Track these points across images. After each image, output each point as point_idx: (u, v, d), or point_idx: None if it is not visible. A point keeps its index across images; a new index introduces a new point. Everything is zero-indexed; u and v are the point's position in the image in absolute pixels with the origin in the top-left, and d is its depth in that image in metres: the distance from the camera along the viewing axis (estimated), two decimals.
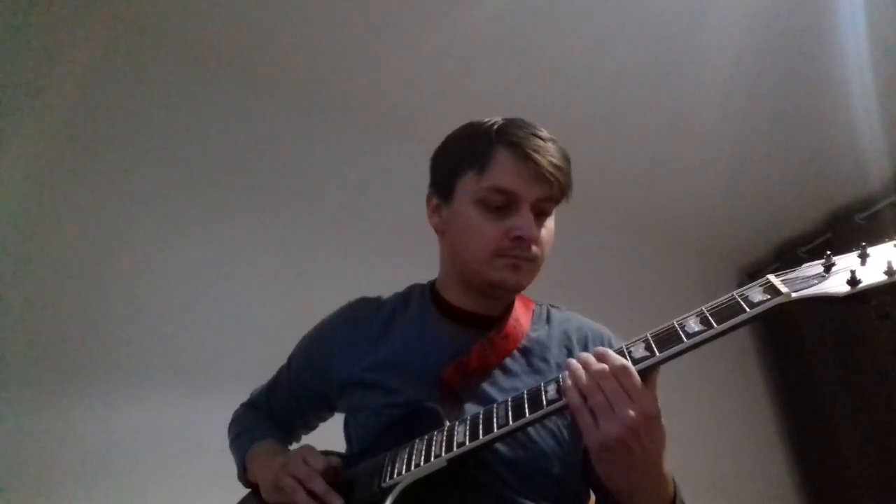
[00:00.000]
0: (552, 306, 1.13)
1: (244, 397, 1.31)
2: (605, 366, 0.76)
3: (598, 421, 0.74)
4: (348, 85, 2.44)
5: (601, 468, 0.78)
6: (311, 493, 0.90)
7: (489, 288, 1.01)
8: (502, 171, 0.97)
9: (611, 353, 0.78)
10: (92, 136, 1.99)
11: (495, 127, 1.01)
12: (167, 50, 2.19)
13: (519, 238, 0.96)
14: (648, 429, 0.74)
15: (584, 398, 0.76)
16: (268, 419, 1.23)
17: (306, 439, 1.26)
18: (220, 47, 2.25)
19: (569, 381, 0.78)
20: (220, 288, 2.06)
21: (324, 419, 1.24)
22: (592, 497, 0.99)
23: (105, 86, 2.05)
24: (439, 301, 1.09)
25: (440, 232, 1.09)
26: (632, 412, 0.73)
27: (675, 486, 0.83)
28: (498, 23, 2.23)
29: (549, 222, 1.03)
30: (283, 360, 1.25)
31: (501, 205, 0.97)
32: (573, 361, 0.80)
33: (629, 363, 0.76)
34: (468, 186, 1.00)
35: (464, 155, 1.02)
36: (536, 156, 0.96)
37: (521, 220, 0.96)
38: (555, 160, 0.98)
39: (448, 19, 2.21)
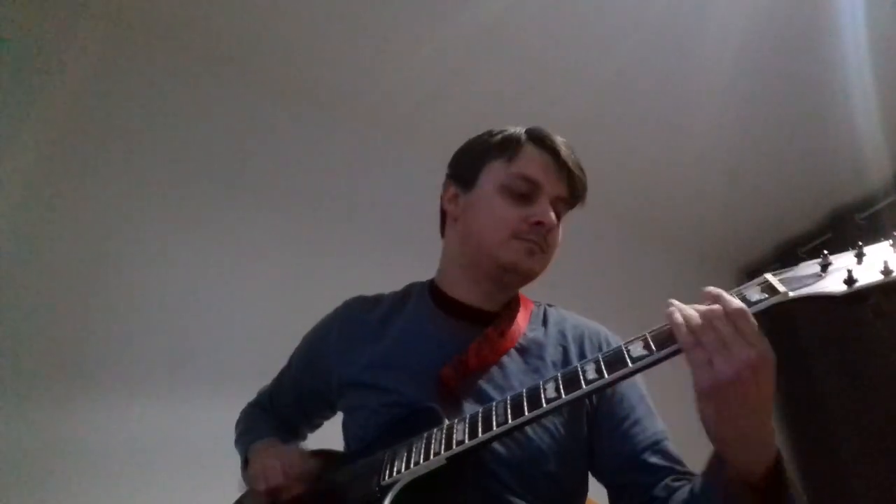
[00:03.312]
0: (549, 306, 1.14)
1: (245, 397, 1.31)
2: (719, 306, 0.73)
3: (712, 359, 0.71)
4: (348, 85, 2.45)
5: (709, 412, 0.72)
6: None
7: (501, 271, 1.03)
8: (531, 161, 1.04)
9: (726, 294, 0.75)
10: (92, 136, 1.99)
11: (525, 128, 1.08)
12: (167, 50, 2.20)
13: (538, 223, 1.00)
14: (766, 370, 0.70)
15: (705, 334, 0.72)
16: (272, 418, 1.23)
17: (311, 437, 1.27)
18: (219, 48, 2.26)
19: (678, 318, 0.74)
20: (221, 287, 2.06)
21: (327, 418, 1.25)
22: (589, 496, 1.00)
23: (105, 86, 2.06)
24: (438, 296, 1.10)
25: (454, 219, 1.11)
26: (750, 351, 0.70)
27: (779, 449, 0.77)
28: (498, 24, 2.23)
29: (560, 226, 1.06)
30: (284, 360, 1.25)
31: (525, 192, 1.03)
32: (675, 301, 0.77)
33: (745, 306, 0.73)
34: (495, 173, 1.05)
35: (494, 146, 1.07)
36: (563, 154, 1.04)
37: (542, 206, 1.02)
38: (578, 163, 1.07)
39: (448, 20, 2.21)
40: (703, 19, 2.27)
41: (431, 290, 1.13)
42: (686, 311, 0.75)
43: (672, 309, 0.76)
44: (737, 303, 0.73)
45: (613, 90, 2.56)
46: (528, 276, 1.05)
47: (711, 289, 0.76)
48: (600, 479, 1.00)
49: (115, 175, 1.99)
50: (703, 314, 0.73)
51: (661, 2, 2.22)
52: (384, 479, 0.87)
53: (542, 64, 2.42)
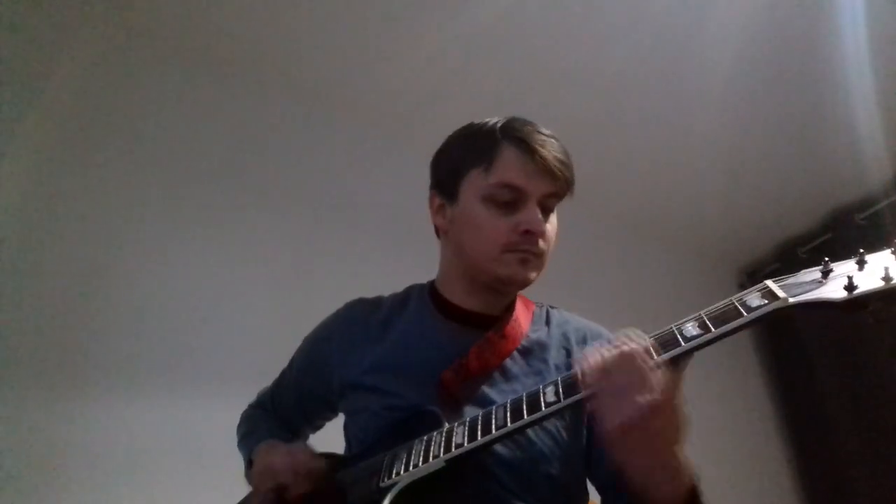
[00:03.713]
0: (551, 307, 1.14)
1: (245, 397, 1.31)
2: (616, 353, 0.76)
3: (613, 403, 0.74)
4: (348, 85, 2.44)
5: (616, 453, 0.77)
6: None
7: (498, 283, 1.02)
8: (509, 167, 0.98)
9: (625, 339, 0.78)
10: (92, 136, 1.99)
11: (499, 125, 1.03)
12: (167, 49, 2.19)
13: (527, 232, 0.97)
14: (661, 414, 0.73)
15: (602, 381, 0.75)
16: (274, 419, 1.23)
17: (312, 438, 1.27)
18: (219, 47, 2.25)
19: (585, 364, 0.77)
20: (221, 288, 2.06)
21: (328, 419, 1.24)
22: (591, 498, 1.00)
23: (105, 86, 2.05)
24: (439, 300, 1.09)
25: (444, 232, 1.10)
26: (646, 394, 0.72)
27: (697, 479, 0.81)
28: (498, 24, 2.23)
29: (553, 218, 1.04)
30: (284, 361, 1.25)
31: (509, 200, 0.98)
32: (589, 348, 0.80)
33: (642, 348, 0.76)
34: (474, 184, 1.01)
35: (469, 153, 1.03)
36: (542, 151, 0.98)
37: (529, 214, 0.97)
38: (559, 155, 1.00)
39: (448, 20, 2.21)
40: (703, 19, 2.27)
41: (431, 292, 1.12)
42: (594, 357, 0.77)
43: (580, 357, 0.79)
44: (628, 347, 0.76)
45: (614, 90, 2.56)
46: (525, 284, 1.03)
47: (618, 335, 0.79)
48: (593, 482, 1.00)
49: (115, 175, 1.99)
50: (602, 361, 0.76)
51: (660, 2, 2.22)
52: (383, 480, 0.88)
53: (542, 64, 2.42)
